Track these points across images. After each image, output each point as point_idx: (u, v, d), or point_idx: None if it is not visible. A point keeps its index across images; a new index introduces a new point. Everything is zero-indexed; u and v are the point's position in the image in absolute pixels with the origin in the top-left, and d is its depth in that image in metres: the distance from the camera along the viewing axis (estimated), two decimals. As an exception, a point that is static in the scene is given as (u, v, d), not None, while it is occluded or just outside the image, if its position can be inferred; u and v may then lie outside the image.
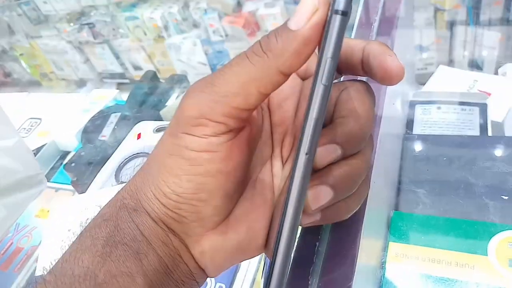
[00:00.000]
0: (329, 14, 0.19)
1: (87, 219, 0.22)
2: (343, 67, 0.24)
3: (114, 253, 0.20)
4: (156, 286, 0.21)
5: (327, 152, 0.22)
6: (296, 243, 0.30)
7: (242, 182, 0.23)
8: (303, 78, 0.26)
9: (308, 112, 0.19)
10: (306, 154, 0.19)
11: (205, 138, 0.20)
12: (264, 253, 0.25)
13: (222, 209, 0.22)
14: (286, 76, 0.20)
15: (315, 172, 0.22)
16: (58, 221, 0.44)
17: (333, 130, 0.22)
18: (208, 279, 0.48)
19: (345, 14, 0.19)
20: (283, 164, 0.26)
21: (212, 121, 0.20)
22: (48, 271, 0.21)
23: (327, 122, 0.23)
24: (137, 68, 1.65)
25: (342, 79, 0.28)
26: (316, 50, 0.20)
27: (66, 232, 0.23)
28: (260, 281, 0.46)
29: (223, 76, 0.20)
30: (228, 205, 0.23)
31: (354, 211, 0.25)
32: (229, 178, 0.22)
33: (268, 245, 0.24)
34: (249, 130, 0.22)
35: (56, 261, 0.21)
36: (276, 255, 0.20)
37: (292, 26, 0.19)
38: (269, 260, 0.21)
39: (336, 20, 0.19)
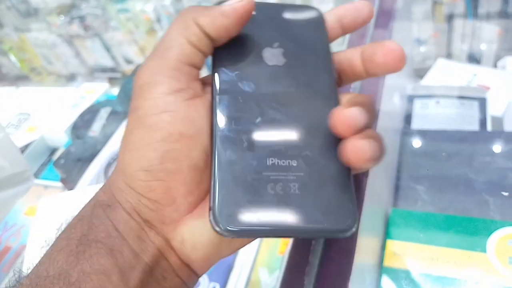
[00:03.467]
0: None
1: (66, 219, 0.22)
2: (347, 78, 0.26)
3: (88, 251, 0.20)
4: (134, 283, 0.20)
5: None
6: (291, 243, 0.29)
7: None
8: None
9: None
10: None
11: (160, 96, 0.21)
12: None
13: (194, 185, 0.22)
14: (206, 35, 0.23)
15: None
16: (45, 219, 0.42)
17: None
18: (201, 278, 0.47)
19: None
20: None
21: (161, 75, 0.22)
22: (25, 275, 0.20)
23: None
24: (129, 61, 1.63)
25: None
26: None
27: (54, 231, 0.22)
28: (256, 280, 0.45)
29: (161, 40, 0.23)
30: (200, 181, 0.22)
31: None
32: (194, 144, 0.21)
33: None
34: (205, 101, 0.23)
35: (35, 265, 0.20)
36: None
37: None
38: None
39: None
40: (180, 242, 0.22)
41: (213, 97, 0.23)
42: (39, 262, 0.20)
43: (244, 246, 0.24)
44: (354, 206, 0.21)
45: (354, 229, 0.21)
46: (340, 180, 0.22)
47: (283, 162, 0.22)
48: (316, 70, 0.25)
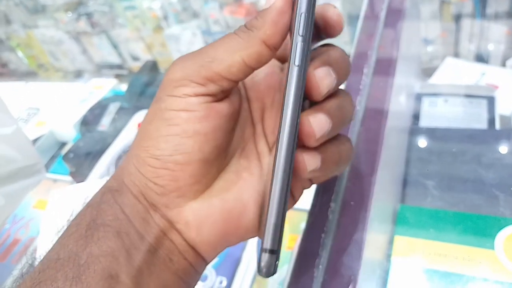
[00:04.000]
0: None
1: (77, 208, 0.22)
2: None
3: (96, 235, 0.20)
4: (140, 264, 0.21)
5: (324, 74, 0.22)
6: (302, 235, 0.30)
7: (223, 153, 0.23)
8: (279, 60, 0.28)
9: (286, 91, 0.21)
10: (297, 65, 0.21)
11: (184, 97, 0.22)
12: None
13: (200, 176, 0.22)
14: (268, 48, 0.22)
15: (310, 107, 0.23)
16: (56, 210, 0.43)
17: (320, 58, 0.23)
18: (208, 272, 0.48)
19: None
20: (267, 143, 0.26)
21: (193, 81, 0.22)
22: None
23: None
24: (135, 58, 1.63)
25: None
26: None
27: (65, 221, 0.22)
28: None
29: (211, 46, 0.22)
30: (207, 173, 0.23)
31: (345, 166, 0.26)
32: (207, 141, 0.22)
33: (261, 221, 0.24)
34: (230, 103, 0.23)
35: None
36: (270, 198, 0.21)
37: (267, 4, 0.22)
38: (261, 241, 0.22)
39: None
40: (185, 225, 0.22)
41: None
42: (50, 248, 0.21)
43: (251, 236, 0.24)
44: (264, 247, 0.21)
45: (261, 271, 0.21)
46: (267, 218, 0.21)
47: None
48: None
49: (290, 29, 0.22)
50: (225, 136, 0.23)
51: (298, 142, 0.22)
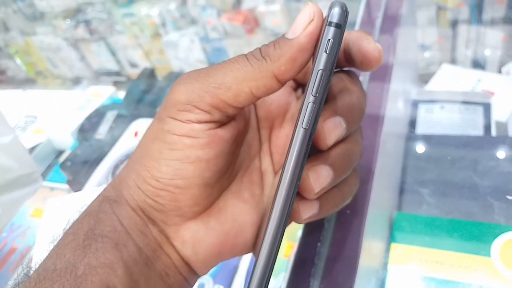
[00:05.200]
0: (325, 26, 0.20)
1: (74, 216, 0.22)
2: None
3: (94, 245, 0.20)
4: (138, 277, 0.20)
5: (333, 126, 0.22)
6: (298, 244, 0.30)
7: (225, 175, 0.23)
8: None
9: (298, 119, 0.20)
10: (304, 128, 0.20)
11: (188, 123, 0.21)
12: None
13: (201, 199, 0.22)
14: (279, 82, 0.21)
15: (315, 155, 0.22)
16: (52, 219, 0.43)
17: (333, 104, 0.22)
18: (205, 280, 0.48)
19: (339, 26, 0.19)
20: (272, 162, 0.26)
21: (198, 108, 0.21)
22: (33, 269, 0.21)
23: None
24: (134, 65, 1.64)
25: None
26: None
27: (61, 229, 0.22)
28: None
29: (220, 70, 0.21)
30: (208, 195, 0.22)
31: (347, 202, 0.25)
32: (209, 167, 0.22)
33: (256, 245, 0.24)
34: (235, 125, 0.23)
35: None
36: (260, 249, 0.20)
37: (289, 35, 0.21)
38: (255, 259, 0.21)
39: (330, 31, 0.19)
40: (181, 243, 0.22)
41: None
42: (46, 256, 0.21)
43: (245, 253, 0.24)
44: None
45: None
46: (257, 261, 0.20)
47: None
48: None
49: (313, 55, 0.20)
50: (227, 160, 0.23)
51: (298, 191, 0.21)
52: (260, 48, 0.21)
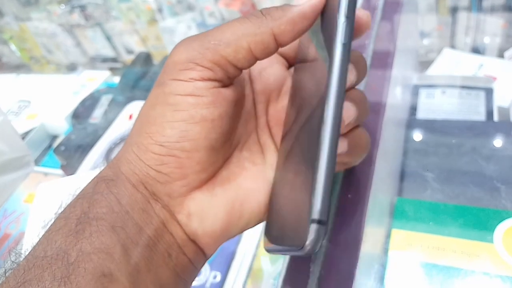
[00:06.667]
0: None
1: (67, 199, 0.21)
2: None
3: (88, 229, 0.19)
4: (137, 260, 0.19)
5: (348, 107, 0.23)
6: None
7: (229, 141, 0.23)
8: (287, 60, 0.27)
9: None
10: (344, 43, 0.19)
11: (191, 81, 0.21)
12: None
13: (208, 164, 0.22)
14: (276, 43, 0.21)
15: None
16: (43, 203, 0.42)
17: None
18: (202, 268, 0.47)
19: None
20: (271, 135, 0.26)
21: (199, 65, 0.21)
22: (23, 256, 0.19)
23: None
24: (130, 51, 1.62)
25: None
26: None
27: (53, 214, 0.21)
28: (258, 268, 0.45)
29: (219, 28, 0.21)
30: (214, 161, 0.22)
31: (367, 151, 0.26)
32: (214, 128, 0.21)
33: (267, 213, 0.24)
34: (235, 90, 0.23)
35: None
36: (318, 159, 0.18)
37: (294, 2, 0.21)
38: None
39: None
40: (186, 216, 0.21)
41: None
42: (37, 243, 0.20)
43: (251, 226, 0.24)
44: (311, 218, 0.18)
45: (309, 246, 0.18)
46: (306, 191, 0.19)
47: (280, 176, 0.23)
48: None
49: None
50: (231, 123, 0.22)
51: None
52: (262, 9, 0.22)
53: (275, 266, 0.45)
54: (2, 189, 0.44)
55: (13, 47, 1.89)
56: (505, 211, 0.35)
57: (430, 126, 0.45)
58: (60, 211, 0.21)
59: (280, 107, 0.26)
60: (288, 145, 0.23)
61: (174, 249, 0.21)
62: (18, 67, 1.89)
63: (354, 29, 0.20)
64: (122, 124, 0.62)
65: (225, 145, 0.23)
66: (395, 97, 0.40)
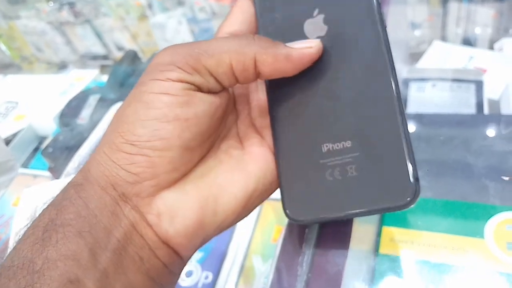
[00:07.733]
0: None
1: (40, 208, 0.21)
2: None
3: (54, 237, 0.19)
4: (106, 265, 0.19)
5: None
6: (283, 230, 0.29)
7: (207, 138, 0.23)
8: None
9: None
10: (386, 26, 0.23)
11: (168, 81, 0.21)
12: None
13: (180, 163, 0.21)
14: (255, 72, 0.22)
15: None
16: (25, 211, 0.41)
17: None
18: (193, 268, 0.46)
19: None
20: (253, 124, 0.26)
21: (180, 68, 0.21)
22: None
23: None
24: (121, 48, 1.60)
25: None
26: None
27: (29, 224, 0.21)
28: (250, 267, 0.45)
29: (208, 41, 0.22)
30: (187, 161, 0.22)
31: None
32: (189, 127, 0.21)
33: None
34: (215, 95, 0.23)
35: None
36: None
37: (288, 45, 0.22)
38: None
39: None
40: (156, 216, 0.21)
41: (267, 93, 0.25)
42: (8, 253, 0.19)
43: (228, 225, 0.23)
44: (410, 177, 0.22)
45: (412, 201, 0.22)
46: (395, 153, 0.22)
47: (337, 146, 0.23)
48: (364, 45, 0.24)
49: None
50: (209, 122, 0.22)
51: None
52: (254, 35, 0.23)
53: (266, 264, 0.44)
54: (-13, 194, 0.44)
55: (2, 46, 1.87)
56: (495, 206, 0.34)
57: (420, 120, 0.44)
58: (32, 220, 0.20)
59: (261, 95, 0.26)
60: (308, 126, 0.24)
61: (145, 252, 0.21)
62: (7, 67, 1.87)
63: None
64: (107, 125, 0.61)
65: (203, 144, 0.22)
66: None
